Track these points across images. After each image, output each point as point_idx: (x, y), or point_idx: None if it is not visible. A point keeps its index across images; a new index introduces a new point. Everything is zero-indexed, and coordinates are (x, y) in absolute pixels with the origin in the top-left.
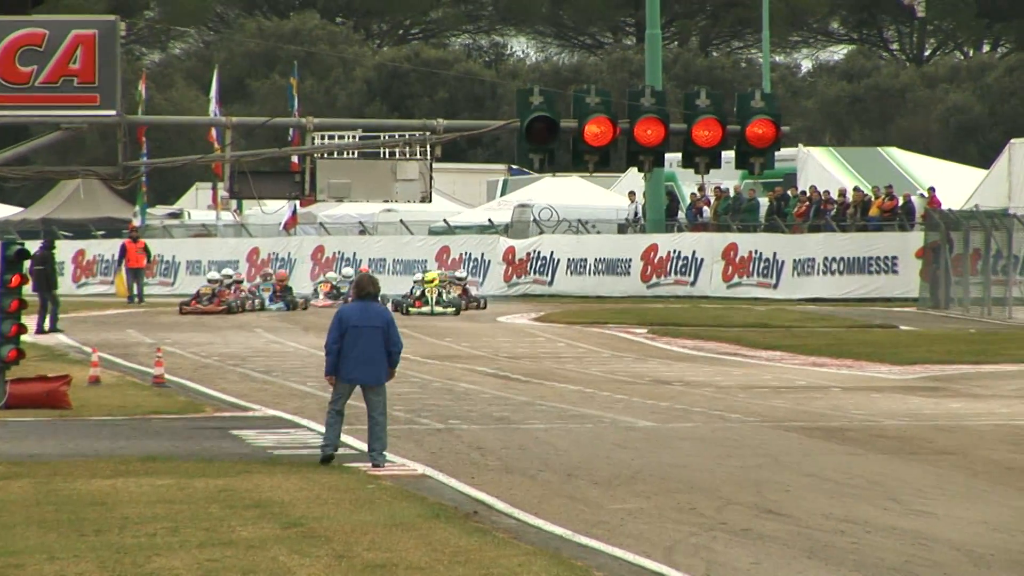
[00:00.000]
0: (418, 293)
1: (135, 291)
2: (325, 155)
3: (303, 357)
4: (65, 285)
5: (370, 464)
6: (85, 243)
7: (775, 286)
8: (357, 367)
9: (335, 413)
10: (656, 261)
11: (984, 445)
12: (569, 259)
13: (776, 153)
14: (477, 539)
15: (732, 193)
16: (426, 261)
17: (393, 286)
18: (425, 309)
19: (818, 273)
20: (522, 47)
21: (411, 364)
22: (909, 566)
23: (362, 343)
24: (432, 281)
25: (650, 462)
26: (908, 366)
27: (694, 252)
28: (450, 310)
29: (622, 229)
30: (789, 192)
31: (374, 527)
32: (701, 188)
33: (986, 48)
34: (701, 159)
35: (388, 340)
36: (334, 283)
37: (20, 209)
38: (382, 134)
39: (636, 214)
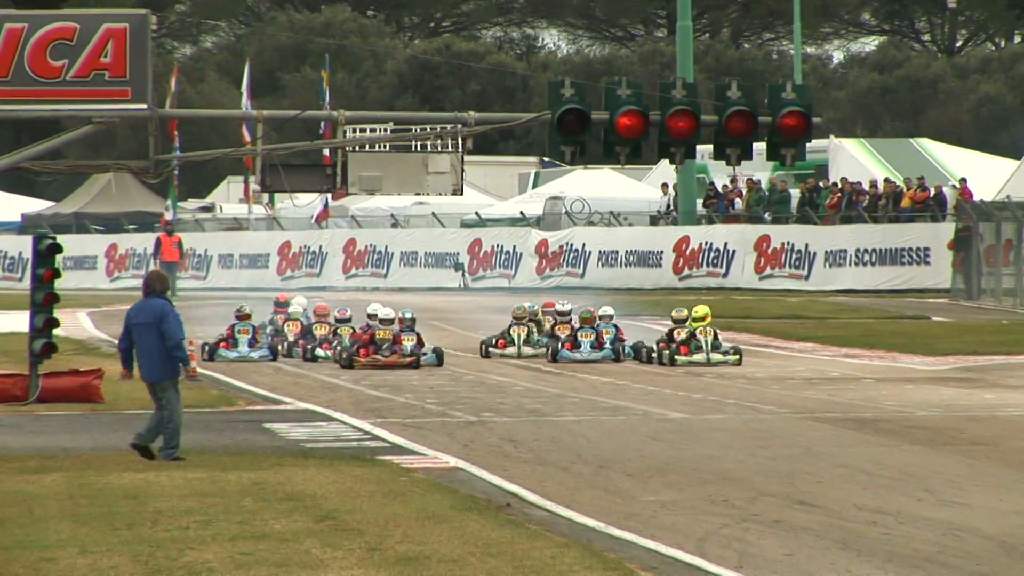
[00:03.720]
0: (683, 336)
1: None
2: (356, 148)
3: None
4: (98, 279)
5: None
6: (117, 237)
7: (807, 278)
8: (141, 364)
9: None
10: (688, 253)
11: (1017, 435)
12: (601, 251)
13: (807, 144)
14: (510, 531)
15: (764, 185)
16: (458, 254)
17: (424, 278)
18: (698, 357)
19: (850, 264)
20: (553, 39)
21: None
22: (942, 557)
23: (141, 340)
24: (704, 319)
25: (682, 454)
26: (941, 357)
27: (726, 244)
28: (733, 358)
29: (654, 221)
30: (821, 183)
31: (406, 519)
32: (733, 180)
33: (1017, 39)
34: (732, 151)
35: (163, 335)
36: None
37: (52, 203)
38: (413, 127)
39: (668, 206)
